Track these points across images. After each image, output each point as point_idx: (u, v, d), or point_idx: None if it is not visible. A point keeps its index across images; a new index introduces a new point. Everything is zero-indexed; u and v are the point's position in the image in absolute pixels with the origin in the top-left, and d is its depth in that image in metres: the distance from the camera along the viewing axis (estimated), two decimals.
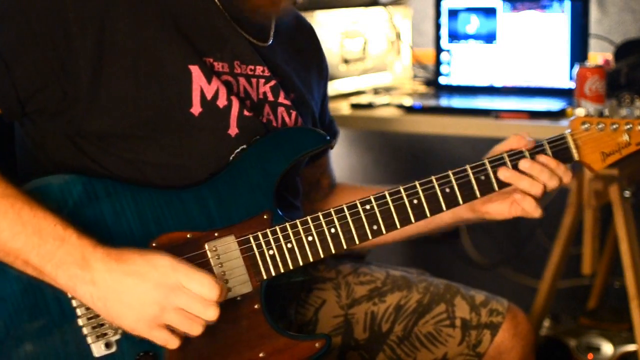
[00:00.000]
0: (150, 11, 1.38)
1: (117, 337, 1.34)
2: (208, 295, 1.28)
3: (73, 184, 1.35)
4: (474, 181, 1.47)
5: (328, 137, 1.45)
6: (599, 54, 2.69)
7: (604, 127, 1.51)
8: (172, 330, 1.30)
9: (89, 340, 1.33)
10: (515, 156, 1.48)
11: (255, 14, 1.46)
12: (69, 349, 1.33)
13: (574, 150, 1.51)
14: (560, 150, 1.50)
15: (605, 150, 1.51)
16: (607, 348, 2.60)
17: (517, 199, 1.49)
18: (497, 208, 1.54)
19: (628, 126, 1.50)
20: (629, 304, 2.37)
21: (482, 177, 1.47)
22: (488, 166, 1.48)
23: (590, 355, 2.60)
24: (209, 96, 1.39)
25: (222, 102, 1.40)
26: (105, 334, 1.34)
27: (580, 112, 1.53)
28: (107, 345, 1.34)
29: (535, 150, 1.49)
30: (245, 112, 1.42)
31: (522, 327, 1.63)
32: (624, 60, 2.49)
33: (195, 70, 1.39)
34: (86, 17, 1.34)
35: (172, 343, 1.31)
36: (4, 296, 1.32)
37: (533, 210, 1.50)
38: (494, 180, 1.48)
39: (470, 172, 1.47)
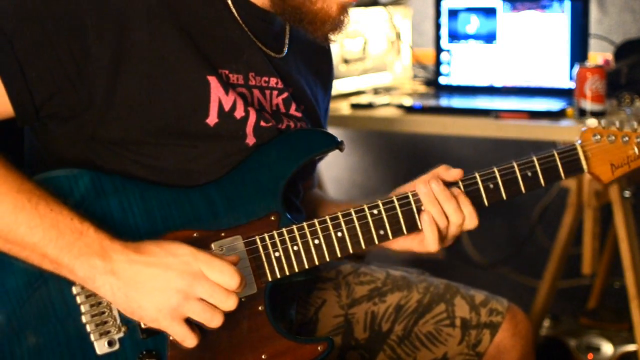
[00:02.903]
0: (167, 22, 1.37)
1: (120, 335, 1.34)
2: (229, 283, 1.28)
3: (80, 177, 1.35)
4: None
5: (339, 140, 1.45)
6: (599, 54, 2.69)
7: (615, 139, 1.50)
8: (191, 327, 1.30)
9: (92, 337, 1.33)
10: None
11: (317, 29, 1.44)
12: (71, 345, 1.33)
13: (583, 162, 1.50)
14: (570, 161, 1.49)
15: (615, 162, 1.50)
16: (607, 348, 2.60)
17: (423, 220, 1.44)
18: (404, 242, 1.49)
19: (639, 139, 1.50)
20: (629, 304, 2.37)
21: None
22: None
23: (590, 355, 2.60)
24: (226, 107, 1.39)
25: (239, 113, 1.40)
26: (109, 332, 1.34)
27: (591, 123, 1.52)
28: (110, 343, 1.34)
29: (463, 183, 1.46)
30: (263, 123, 1.41)
31: (522, 327, 1.63)
32: (624, 60, 2.49)
33: (213, 81, 1.38)
34: (104, 25, 1.33)
35: (190, 340, 1.31)
36: (8, 290, 1.32)
37: (432, 242, 1.44)
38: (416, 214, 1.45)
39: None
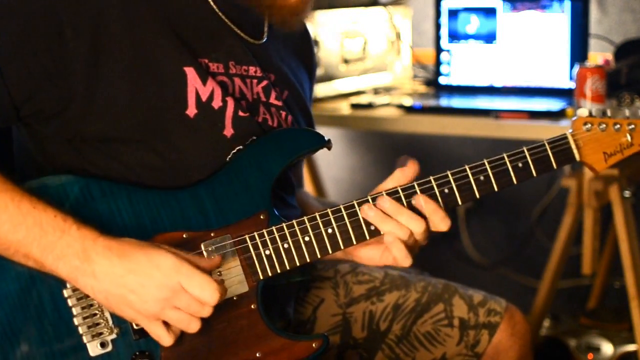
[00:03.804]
0: (143, 14, 1.37)
1: (113, 336, 1.34)
2: (208, 299, 1.29)
3: (69, 185, 1.35)
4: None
5: (326, 138, 1.45)
6: (599, 54, 2.69)
7: (606, 127, 1.48)
8: (168, 327, 1.31)
9: (85, 339, 1.34)
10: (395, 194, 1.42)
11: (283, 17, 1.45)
12: (64, 348, 1.33)
13: (575, 151, 1.48)
14: (561, 150, 1.48)
15: (608, 150, 1.48)
16: (607, 348, 2.60)
17: (386, 241, 1.41)
18: (368, 253, 1.47)
19: (631, 126, 1.48)
20: (629, 304, 2.37)
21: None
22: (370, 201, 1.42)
23: (590, 355, 2.60)
24: (204, 97, 1.39)
25: (217, 103, 1.40)
26: (101, 333, 1.34)
27: (582, 112, 1.50)
28: (103, 344, 1.34)
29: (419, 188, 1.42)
30: (240, 113, 1.42)
31: (520, 327, 1.62)
32: (624, 60, 2.49)
33: (190, 72, 1.39)
34: (80, 20, 1.33)
35: (166, 340, 1.31)
36: (0, 295, 1.32)
37: (403, 259, 1.41)
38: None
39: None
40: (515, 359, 1.61)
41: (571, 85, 2.43)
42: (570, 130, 1.49)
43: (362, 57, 2.69)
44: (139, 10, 1.37)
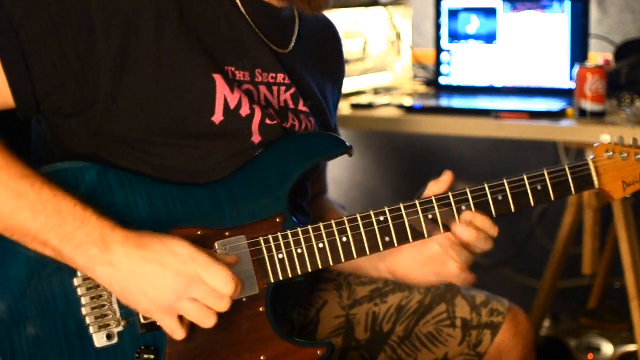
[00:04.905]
0: (174, 21, 1.37)
1: (119, 329, 1.34)
2: (223, 289, 1.28)
3: (86, 170, 1.35)
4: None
5: (348, 144, 1.44)
6: (599, 54, 2.69)
7: (627, 157, 1.47)
8: (181, 321, 1.31)
9: (91, 329, 1.34)
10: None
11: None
12: (70, 337, 1.33)
13: (595, 178, 1.48)
14: (581, 176, 1.47)
15: (627, 179, 1.48)
16: (607, 348, 2.60)
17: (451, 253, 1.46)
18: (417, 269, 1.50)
19: None
20: (629, 304, 2.38)
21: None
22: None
23: (590, 355, 2.61)
24: (232, 105, 1.39)
25: (244, 110, 1.40)
26: (108, 325, 1.34)
27: (605, 138, 1.50)
28: (109, 336, 1.34)
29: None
30: (268, 121, 1.41)
31: (523, 327, 1.63)
32: (624, 60, 2.49)
33: (218, 79, 1.38)
34: (111, 23, 1.33)
35: (178, 333, 1.31)
36: (10, 279, 1.32)
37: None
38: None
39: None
40: (517, 359, 1.62)
41: (571, 85, 2.44)
42: (592, 157, 1.49)
43: (362, 57, 2.69)
44: (170, 18, 1.36)
